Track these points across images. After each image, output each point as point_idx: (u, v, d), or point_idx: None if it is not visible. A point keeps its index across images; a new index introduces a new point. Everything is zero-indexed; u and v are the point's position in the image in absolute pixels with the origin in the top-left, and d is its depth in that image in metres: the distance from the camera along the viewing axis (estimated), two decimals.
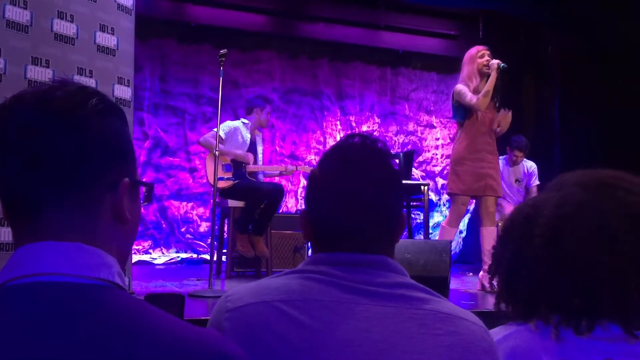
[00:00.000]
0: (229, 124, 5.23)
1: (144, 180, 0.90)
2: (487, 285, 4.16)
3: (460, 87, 4.41)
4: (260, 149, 5.43)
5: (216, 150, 4.13)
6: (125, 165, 0.84)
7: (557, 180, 1.11)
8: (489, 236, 4.35)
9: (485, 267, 4.18)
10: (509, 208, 5.49)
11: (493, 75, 4.35)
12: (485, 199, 4.44)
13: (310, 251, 1.12)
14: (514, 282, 1.06)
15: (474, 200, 4.75)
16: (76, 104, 0.79)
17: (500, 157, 6.12)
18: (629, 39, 6.49)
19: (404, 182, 5.47)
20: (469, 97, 4.34)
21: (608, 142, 6.74)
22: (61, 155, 0.76)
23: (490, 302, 3.74)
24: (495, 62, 4.39)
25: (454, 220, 4.50)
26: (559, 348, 0.98)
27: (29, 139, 0.76)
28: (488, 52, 4.50)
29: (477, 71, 4.43)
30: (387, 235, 1.07)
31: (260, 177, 5.37)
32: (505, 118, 4.51)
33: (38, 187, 0.77)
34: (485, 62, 4.43)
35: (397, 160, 5.89)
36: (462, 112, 4.44)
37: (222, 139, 4.79)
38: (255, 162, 5.29)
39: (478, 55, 4.46)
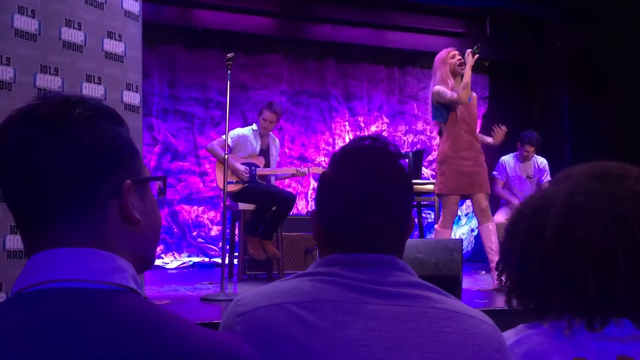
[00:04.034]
0: (237, 132, 5.22)
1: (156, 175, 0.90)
2: (495, 282, 4.14)
3: (438, 87, 4.44)
4: (274, 153, 5.41)
5: (225, 154, 4.14)
6: (125, 166, 0.83)
7: (563, 172, 1.10)
8: (487, 233, 4.36)
9: (492, 265, 4.16)
10: None
11: (469, 65, 4.40)
12: (477, 198, 4.44)
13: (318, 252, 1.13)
14: (525, 277, 1.05)
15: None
16: (60, 116, 0.78)
17: (511, 154, 6.11)
18: (638, 33, 6.44)
19: (413, 181, 5.44)
20: (449, 93, 4.38)
21: (619, 138, 6.69)
22: (57, 169, 0.77)
23: (502, 301, 3.72)
24: (468, 52, 4.45)
25: (447, 222, 4.48)
26: (572, 349, 0.98)
27: (23, 159, 0.77)
28: (458, 52, 4.56)
29: (451, 72, 4.48)
30: (397, 236, 1.08)
31: (272, 179, 5.36)
32: (500, 136, 4.89)
33: (43, 202, 0.78)
34: (458, 62, 4.49)
35: (406, 160, 5.91)
36: (443, 112, 4.47)
37: (230, 147, 4.78)
38: (268, 166, 5.28)
39: (449, 57, 4.52)
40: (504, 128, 4.93)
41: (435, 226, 4.61)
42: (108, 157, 0.81)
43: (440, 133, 4.58)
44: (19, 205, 0.79)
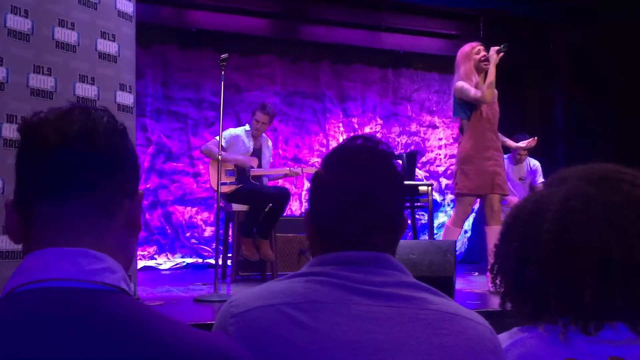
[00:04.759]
0: (230, 132, 5.22)
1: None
2: (490, 285, 4.13)
3: (461, 83, 4.34)
4: (267, 153, 5.41)
5: (219, 155, 4.14)
6: (137, 175, 0.89)
7: (558, 175, 1.09)
8: (495, 235, 4.30)
9: None
10: None
11: (493, 63, 4.28)
12: (491, 198, 4.37)
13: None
14: (520, 281, 1.05)
15: (479, 200, 4.71)
16: (114, 125, 0.85)
17: (504, 156, 6.13)
18: (633, 34, 6.47)
19: (407, 183, 5.39)
20: (473, 91, 4.28)
21: (613, 140, 6.72)
22: (101, 168, 0.82)
23: (496, 302, 3.72)
24: (493, 49, 4.34)
25: (459, 220, 4.43)
26: (566, 351, 0.97)
27: (74, 154, 0.80)
28: (483, 47, 4.44)
29: (475, 68, 4.38)
30: (390, 235, 1.08)
31: (265, 180, 5.36)
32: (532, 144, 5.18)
33: (70, 193, 0.80)
34: (482, 57, 4.37)
35: (399, 161, 5.90)
36: (467, 109, 4.36)
37: (223, 147, 4.77)
38: (260, 166, 5.28)
39: (474, 52, 4.40)
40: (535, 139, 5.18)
41: (447, 223, 4.57)
42: (131, 164, 0.87)
43: (461, 130, 4.50)
44: (43, 196, 0.80)
